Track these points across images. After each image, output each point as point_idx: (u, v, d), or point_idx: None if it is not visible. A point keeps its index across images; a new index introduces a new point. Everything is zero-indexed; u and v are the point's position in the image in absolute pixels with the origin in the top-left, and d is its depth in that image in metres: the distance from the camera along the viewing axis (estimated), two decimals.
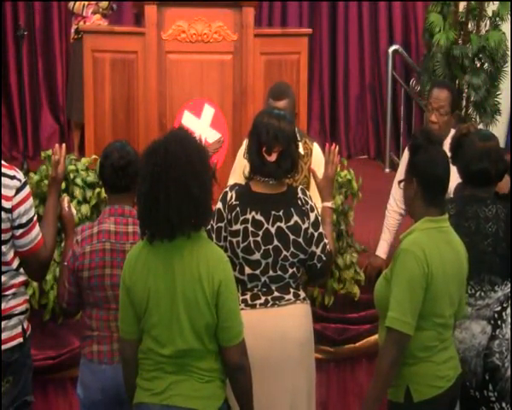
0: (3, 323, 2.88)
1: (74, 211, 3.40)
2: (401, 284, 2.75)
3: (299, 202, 3.05)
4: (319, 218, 3.10)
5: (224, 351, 2.58)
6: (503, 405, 3.11)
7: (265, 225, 3.01)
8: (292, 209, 3.03)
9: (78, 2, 6.33)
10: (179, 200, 2.48)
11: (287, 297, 3.07)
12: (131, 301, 2.59)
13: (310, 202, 3.08)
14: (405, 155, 4.14)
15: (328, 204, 3.27)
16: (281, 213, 3.02)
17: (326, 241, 3.10)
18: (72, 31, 6.41)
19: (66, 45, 7.10)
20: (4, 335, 2.88)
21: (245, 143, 3.69)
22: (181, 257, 2.53)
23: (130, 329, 2.63)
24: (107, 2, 6.41)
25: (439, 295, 2.79)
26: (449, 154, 3.15)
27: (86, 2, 6.32)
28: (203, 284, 2.51)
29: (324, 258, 3.09)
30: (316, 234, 3.06)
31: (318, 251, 3.07)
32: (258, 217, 3.01)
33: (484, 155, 3.17)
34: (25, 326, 2.98)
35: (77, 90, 5.94)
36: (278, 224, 3.01)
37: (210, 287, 2.52)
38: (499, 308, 3.15)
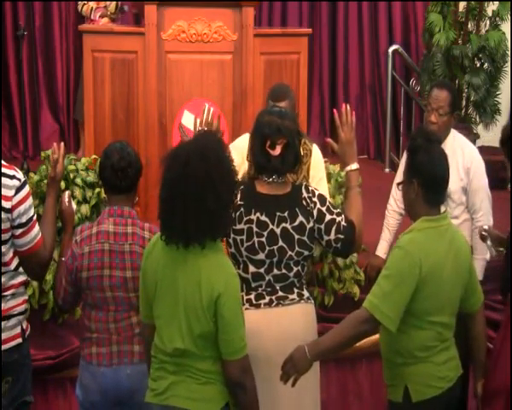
0: (2, 323, 2.88)
1: (74, 206, 3.39)
2: (390, 279, 2.74)
3: (304, 202, 3.01)
4: (323, 209, 3.01)
5: (224, 364, 2.57)
6: None
7: (270, 226, 2.98)
8: (297, 209, 3.00)
9: (86, 5, 6.29)
10: (196, 212, 2.49)
11: (291, 297, 3.04)
12: (145, 284, 2.65)
13: (313, 199, 3.02)
14: (405, 156, 4.13)
15: (351, 167, 3.12)
16: (286, 214, 2.99)
17: (339, 219, 3.00)
18: None
19: (67, 45, 7.09)
20: (3, 335, 2.88)
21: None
22: (186, 260, 2.54)
23: (146, 312, 2.68)
24: (114, 5, 6.35)
25: (434, 294, 2.78)
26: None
27: (95, 6, 6.27)
28: (201, 289, 2.51)
29: (342, 236, 3.00)
30: (322, 227, 3.00)
31: (332, 236, 3.00)
32: (263, 218, 2.99)
33: None
34: (24, 327, 2.98)
35: None
36: (283, 225, 2.98)
37: (208, 295, 2.51)
38: None
